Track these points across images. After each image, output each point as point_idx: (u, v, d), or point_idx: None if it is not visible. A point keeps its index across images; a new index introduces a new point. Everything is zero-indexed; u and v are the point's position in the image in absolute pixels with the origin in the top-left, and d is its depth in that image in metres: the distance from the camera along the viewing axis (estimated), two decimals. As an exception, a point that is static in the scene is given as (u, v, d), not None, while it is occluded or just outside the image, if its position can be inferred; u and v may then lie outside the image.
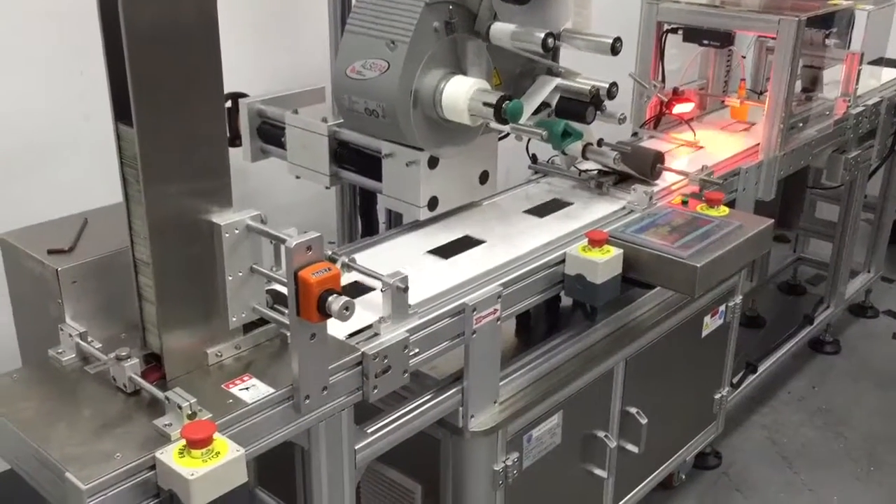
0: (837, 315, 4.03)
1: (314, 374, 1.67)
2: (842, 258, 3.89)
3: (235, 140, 2.57)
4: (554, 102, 2.37)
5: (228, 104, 2.48)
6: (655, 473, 2.87)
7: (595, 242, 2.24)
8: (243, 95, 2.55)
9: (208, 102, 1.60)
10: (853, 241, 3.91)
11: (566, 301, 2.50)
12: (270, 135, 2.58)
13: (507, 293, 2.09)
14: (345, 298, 1.57)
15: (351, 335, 1.83)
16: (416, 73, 2.13)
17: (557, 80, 2.36)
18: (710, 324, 2.86)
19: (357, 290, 2.00)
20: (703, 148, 3.05)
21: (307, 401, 1.67)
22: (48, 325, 1.76)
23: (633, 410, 2.58)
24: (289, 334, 1.75)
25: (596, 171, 2.67)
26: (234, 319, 1.72)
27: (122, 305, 1.79)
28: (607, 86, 2.34)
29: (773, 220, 2.49)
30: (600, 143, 2.56)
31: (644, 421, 2.58)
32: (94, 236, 1.86)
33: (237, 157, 2.41)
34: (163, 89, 1.52)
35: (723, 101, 3.48)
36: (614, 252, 2.23)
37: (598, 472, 2.53)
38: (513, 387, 2.21)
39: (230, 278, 1.69)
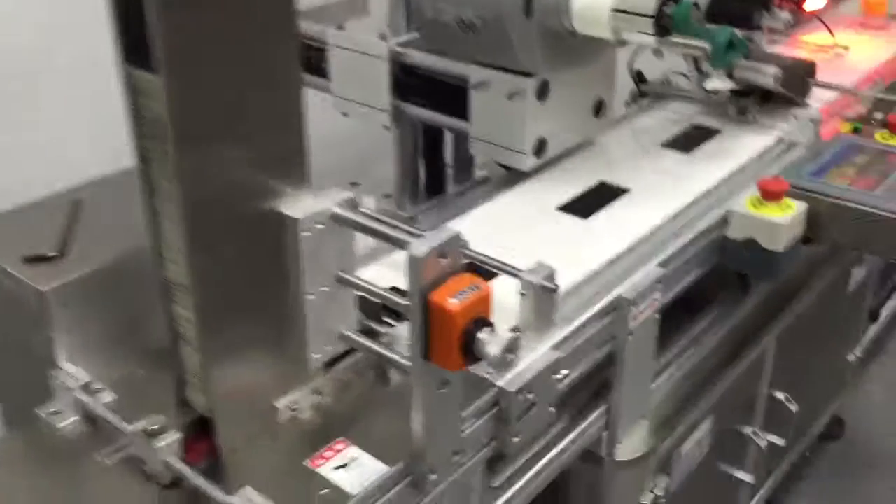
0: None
1: (444, 439, 1.11)
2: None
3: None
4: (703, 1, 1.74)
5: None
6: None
7: (770, 195, 1.64)
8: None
9: (273, 22, 0.97)
10: None
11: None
12: (306, 59, 1.94)
13: (667, 274, 1.51)
14: (508, 334, 0.99)
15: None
16: (534, -34, 1.49)
17: (709, -29, 1.71)
18: (857, 275, 2.32)
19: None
20: (846, 52, 2.41)
21: (433, 476, 1.11)
22: (34, 369, 1.17)
23: (782, 396, 2.06)
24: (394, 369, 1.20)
25: (728, 92, 2.05)
26: (317, 357, 1.14)
27: (136, 328, 1.21)
28: (776, -23, 1.71)
29: None
30: (747, 55, 1.93)
31: (794, 408, 2.06)
32: (89, 227, 1.26)
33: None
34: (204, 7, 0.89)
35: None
36: (797, 208, 1.65)
37: (743, 476, 2.02)
38: (657, 394, 1.66)
39: (311, 297, 1.10)
